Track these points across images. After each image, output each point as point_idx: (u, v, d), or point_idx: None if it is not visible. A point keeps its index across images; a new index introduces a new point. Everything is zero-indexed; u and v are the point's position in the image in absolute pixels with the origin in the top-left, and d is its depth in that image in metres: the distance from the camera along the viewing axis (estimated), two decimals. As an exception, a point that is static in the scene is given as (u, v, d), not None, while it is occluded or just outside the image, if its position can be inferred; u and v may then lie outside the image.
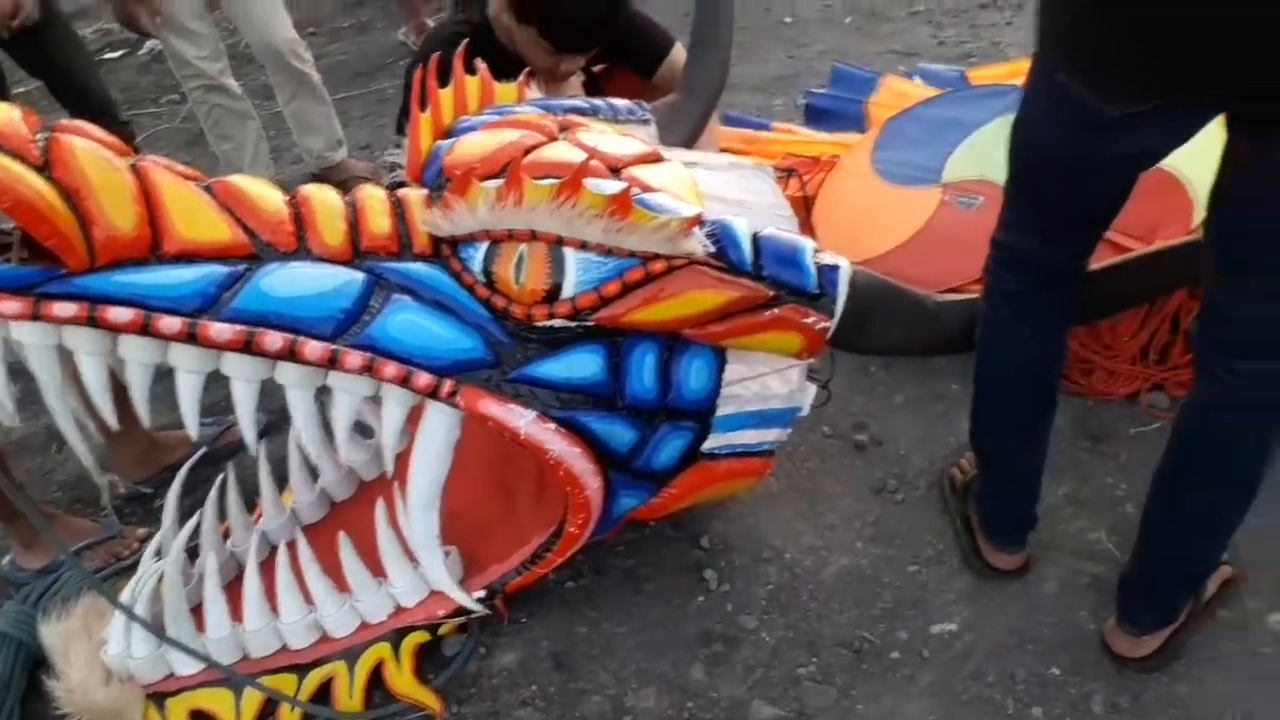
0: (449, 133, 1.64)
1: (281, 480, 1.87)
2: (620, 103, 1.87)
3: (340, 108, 3.89)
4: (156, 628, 1.60)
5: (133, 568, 1.93)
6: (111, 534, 2.12)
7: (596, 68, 2.48)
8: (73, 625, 1.68)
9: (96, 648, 1.65)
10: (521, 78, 1.83)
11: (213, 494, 1.78)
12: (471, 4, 2.40)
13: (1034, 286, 1.52)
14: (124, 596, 1.68)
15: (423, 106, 1.64)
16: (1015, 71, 2.85)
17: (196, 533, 1.73)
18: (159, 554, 1.72)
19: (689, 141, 2.01)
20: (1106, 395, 2.09)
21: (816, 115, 3.09)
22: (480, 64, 1.77)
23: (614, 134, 1.66)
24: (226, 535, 1.82)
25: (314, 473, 1.90)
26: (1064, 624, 1.71)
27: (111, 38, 5.29)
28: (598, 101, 1.83)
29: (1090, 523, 1.86)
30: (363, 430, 1.89)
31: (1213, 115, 1.23)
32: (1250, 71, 1.11)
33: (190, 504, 1.81)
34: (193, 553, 1.76)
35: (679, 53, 2.47)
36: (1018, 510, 1.75)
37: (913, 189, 2.33)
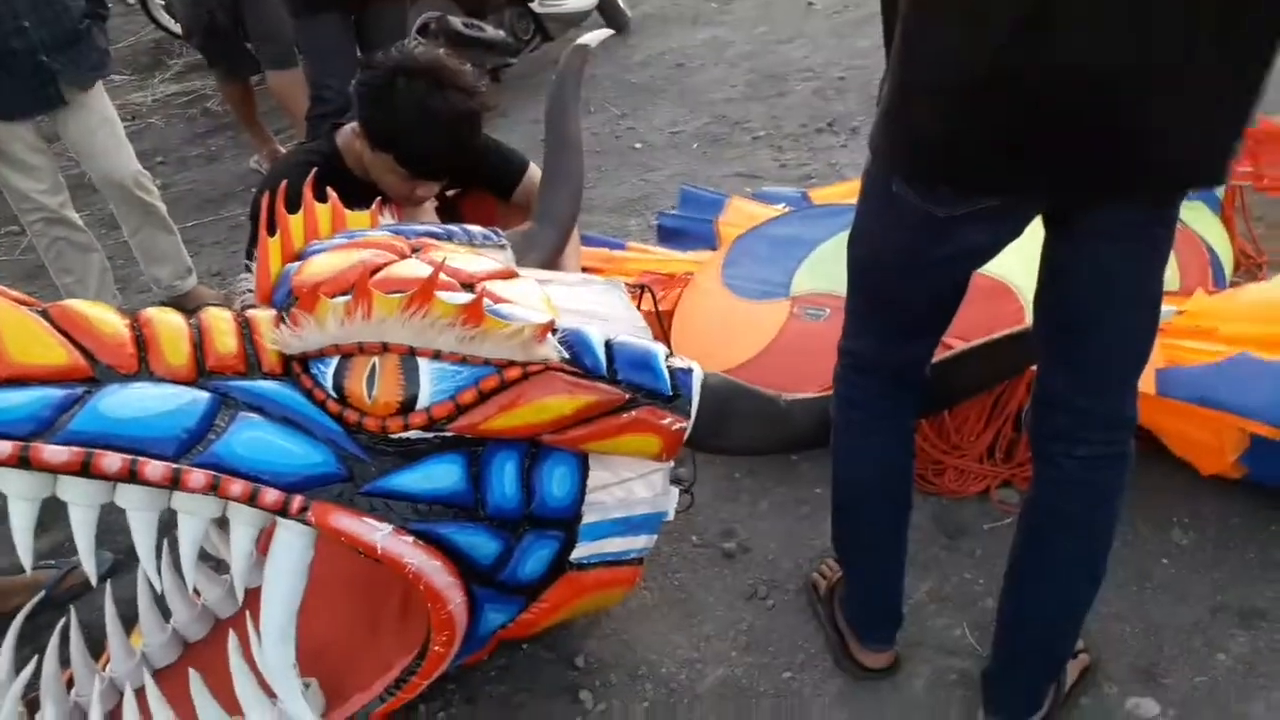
0: (299, 256, 1.64)
1: (130, 623, 1.76)
2: (475, 229, 1.90)
3: (190, 235, 3.88)
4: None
5: None
6: None
7: (451, 192, 2.53)
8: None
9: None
10: (375, 205, 1.85)
11: (54, 639, 1.65)
12: (319, 133, 2.44)
13: (880, 390, 1.59)
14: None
15: (271, 231, 1.64)
16: (853, 190, 2.92)
17: (35, 683, 1.60)
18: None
19: (545, 268, 2.05)
20: (959, 494, 2.15)
21: (669, 235, 3.20)
22: (330, 191, 1.79)
23: (467, 254, 1.69)
24: (70, 684, 1.69)
25: (166, 613, 1.80)
26: (936, 720, 1.72)
27: None
28: (453, 227, 1.85)
29: (953, 619, 1.89)
30: (217, 565, 1.81)
31: (1036, 212, 1.33)
32: (1060, 167, 1.22)
33: (29, 652, 1.68)
34: (33, 705, 1.63)
35: (534, 173, 2.52)
36: (883, 609, 1.77)
37: (763, 303, 2.41)
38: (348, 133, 2.29)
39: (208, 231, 4.23)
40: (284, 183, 1.70)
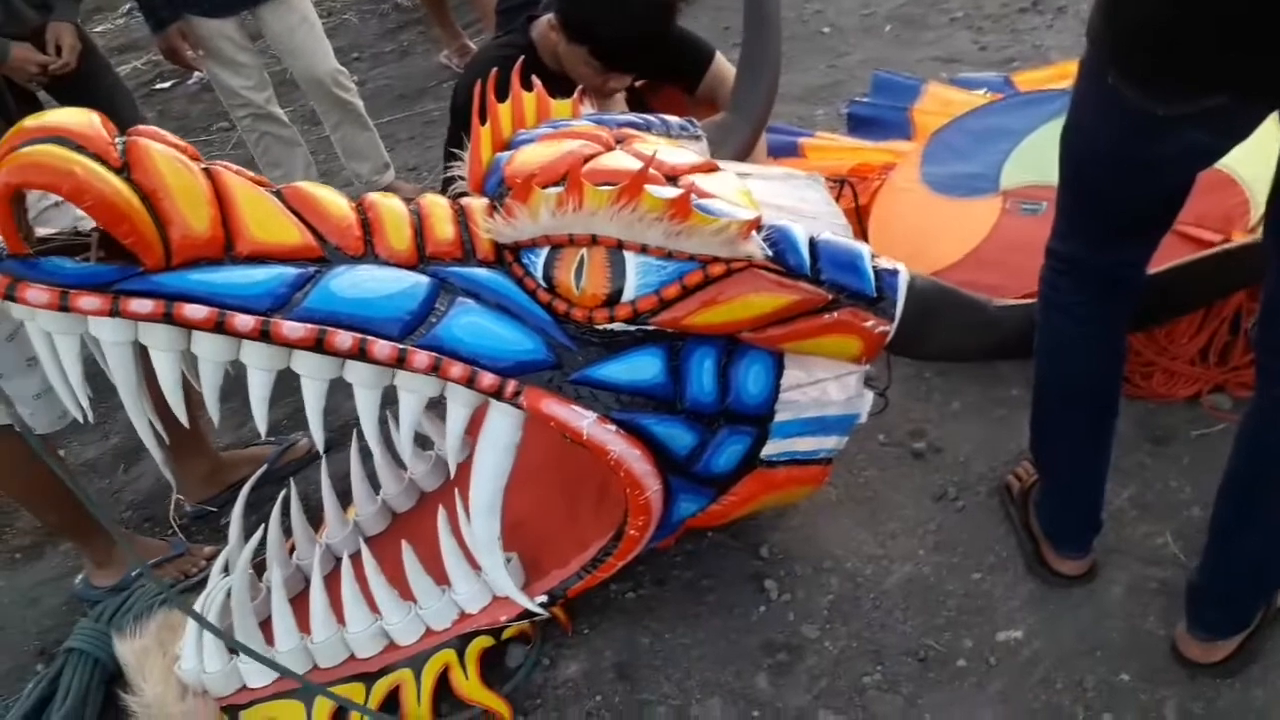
0: (508, 145, 1.67)
1: (343, 498, 1.90)
2: (672, 119, 1.89)
3: (386, 131, 3.96)
4: (233, 639, 1.63)
5: (201, 584, 1.97)
6: (179, 552, 2.17)
7: (639, 83, 2.52)
8: (147, 641, 1.72)
9: (171, 663, 1.69)
10: (576, 94, 1.86)
11: (276, 510, 1.82)
12: (514, 25, 2.46)
13: (1092, 295, 1.51)
14: (196, 610, 1.72)
15: (482, 120, 1.68)
16: (1061, 74, 2.84)
17: (262, 548, 1.77)
18: (226, 570, 1.76)
19: (739, 159, 2.02)
20: (1168, 398, 2.05)
21: (860, 124, 3.08)
22: (536, 81, 1.80)
23: (669, 146, 1.68)
24: (291, 550, 1.85)
25: (376, 485, 1.93)
26: (1132, 630, 1.67)
27: (162, 68, 5.40)
28: (651, 118, 1.85)
29: (1155, 527, 1.83)
30: (422, 442, 1.91)
31: (1268, 112, 1.22)
32: None
33: (255, 521, 1.85)
34: (259, 568, 1.80)
35: (720, 64, 2.50)
36: (1082, 517, 1.73)
37: (970, 200, 2.31)
38: (543, 25, 2.30)
39: (402, 127, 4.33)
40: (494, 71, 1.72)
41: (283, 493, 1.84)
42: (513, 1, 3.53)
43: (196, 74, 4.46)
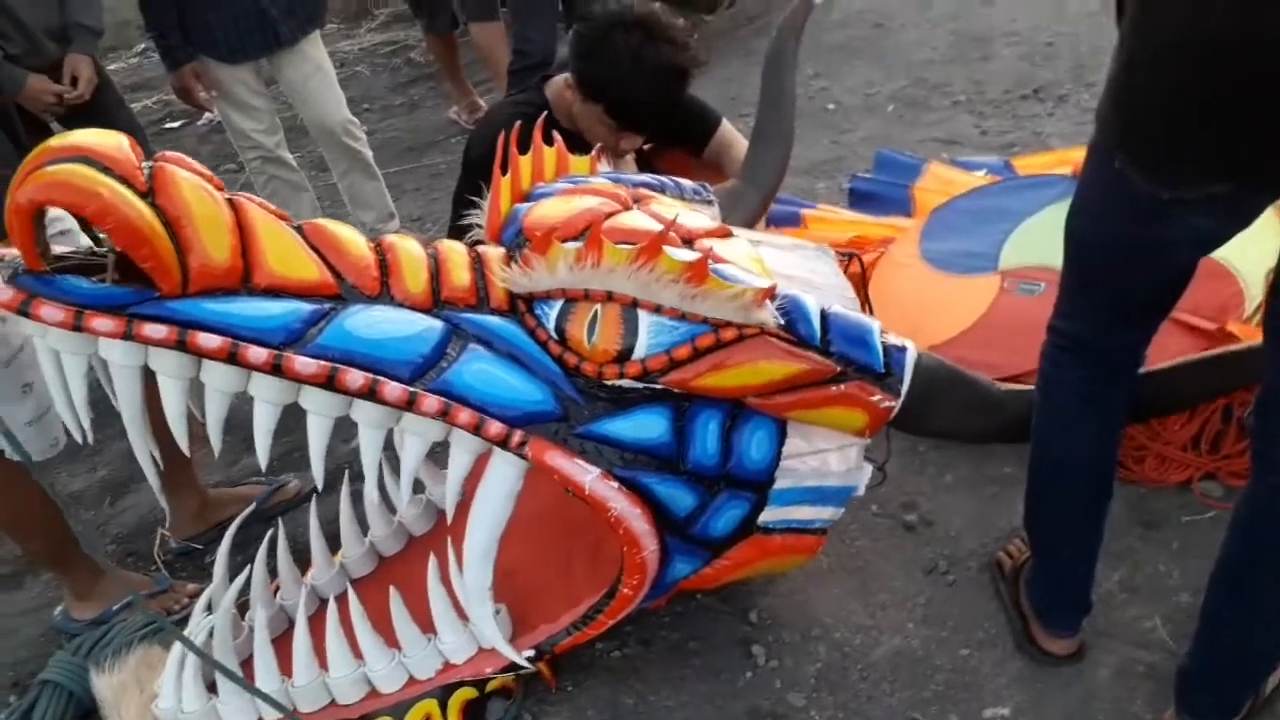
0: (527, 197, 1.69)
1: (331, 541, 1.89)
2: (686, 183, 1.92)
3: (393, 181, 4.00)
4: (207, 682, 1.61)
5: (183, 621, 1.95)
6: (163, 588, 2.14)
7: (646, 146, 2.55)
8: (125, 677, 1.70)
9: (148, 701, 1.66)
10: (595, 151, 1.89)
11: (263, 549, 1.80)
12: (526, 85, 2.50)
13: (1092, 375, 1.53)
14: (175, 650, 1.69)
15: (503, 171, 1.69)
16: (1060, 160, 2.90)
17: (247, 587, 1.75)
18: (209, 608, 1.73)
19: (748, 227, 2.05)
20: (1159, 482, 2.07)
21: (861, 198, 3.14)
22: (557, 136, 1.83)
23: (683, 208, 1.70)
24: (276, 590, 1.83)
25: (364, 527, 1.92)
26: (1119, 713, 1.67)
27: (172, 108, 5.48)
28: (665, 179, 1.88)
29: (1144, 610, 1.83)
30: (414, 485, 1.90)
31: (1271, 200, 1.26)
32: None
33: (240, 561, 1.83)
34: (243, 607, 1.78)
35: (727, 130, 2.55)
36: (1072, 596, 1.73)
37: (968, 277, 2.35)
38: (558, 84, 2.34)
39: (409, 178, 4.40)
40: (518, 124, 1.74)
41: (270, 532, 1.82)
42: (525, 63, 3.64)
43: (207, 115, 4.53)
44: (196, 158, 1.37)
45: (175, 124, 5.45)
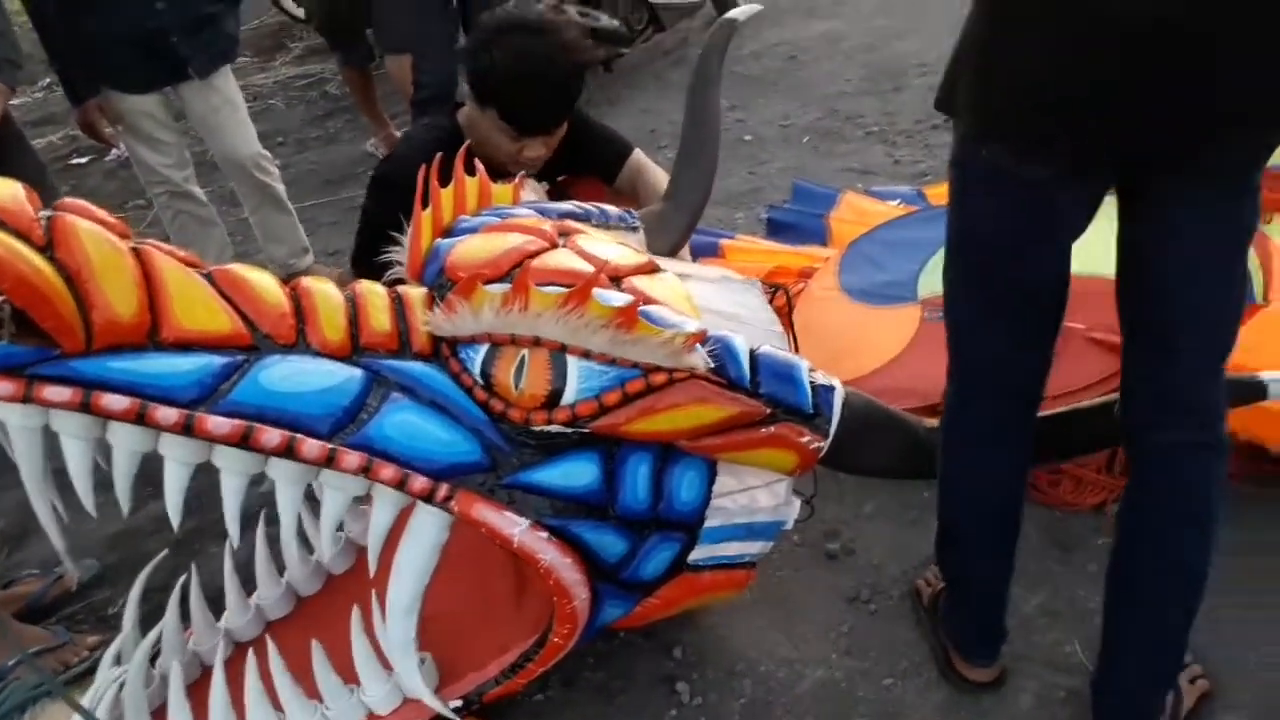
0: (448, 232, 1.65)
1: (246, 584, 1.81)
2: (611, 209, 1.89)
3: (307, 215, 3.95)
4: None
5: (84, 675, 1.89)
6: (62, 641, 2.03)
7: (560, 178, 2.53)
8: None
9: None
10: (518, 179, 1.85)
11: (175, 595, 1.72)
12: (436, 113, 2.46)
13: (995, 409, 1.56)
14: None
15: (424, 204, 1.65)
16: None
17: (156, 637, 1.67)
18: (118, 660, 1.64)
19: (674, 250, 2.04)
20: (1074, 505, 2.11)
21: (779, 228, 3.18)
22: (479, 165, 1.78)
23: (610, 241, 1.68)
24: (189, 638, 1.74)
25: (280, 566, 1.85)
26: (1042, 742, 1.70)
27: (79, 144, 5.32)
28: (590, 207, 1.85)
29: (1063, 634, 1.87)
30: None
31: (1107, 179, 1.35)
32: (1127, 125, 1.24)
33: (146, 610, 1.73)
34: (153, 657, 1.68)
35: (639, 157, 2.53)
36: (987, 627, 1.76)
37: (890, 308, 2.37)
38: (466, 109, 2.30)
39: (324, 211, 4.33)
40: (439, 156, 1.70)
41: (183, 577, 1.74)
42: (424, 94, 3.60)
43: (114, 150, 4.38)
44: (104, 194, 1.32)
45: (82, 159, 5.28)
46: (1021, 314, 1.49)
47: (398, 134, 4.66)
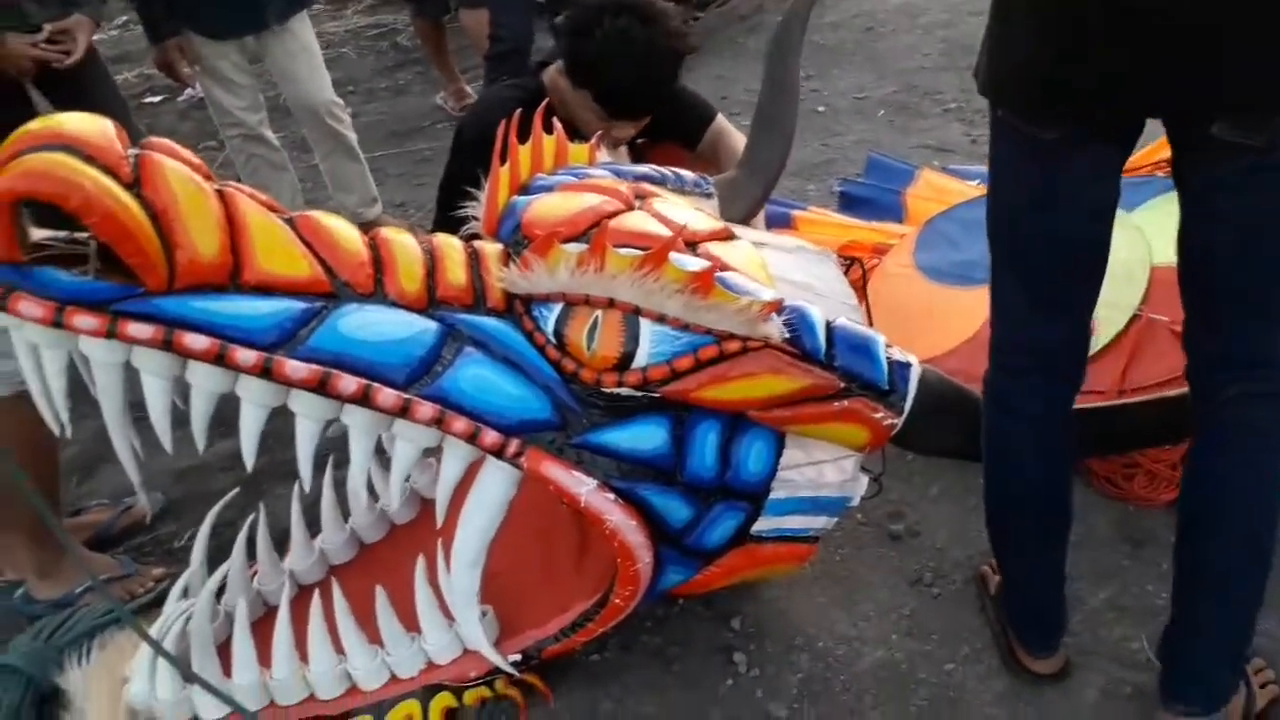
0: (525, 189, 1.64)
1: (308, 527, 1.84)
2: (686, 174, 1.87)
3: (375, 165, 3.94)
4: (186, 666, 1.55)
5: (150, 605, 1.94)
6: (129, 572, 2.08)
7: (640, 140, 2.51)
8: (93, 663, 1.63)
9: (118, 686, 1.60)
10: (595, 139, 1.84)
11: (242, 535, 1.75)
12: (502, 71, 2.45)
13: (1030, 390, 1.53)
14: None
15: (503, 160, 1.64)
16: None
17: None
18: (186, 593, 1.68)
19: (747, 219, 2.01)
20: (1147, 502, 2.05)
21: (852, 202, 3.11)
22: (558, 124, 1.77)
23: (686, 206, 1.66)
24: (253, 576, 1.77)
25: (345, 514, 1.87)
26: (1106, 737, 1.66)
27: (153, 83, 5.37)
28: (666, 171, 1.83)
29: (1131, 630, 1.82)
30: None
31: (1132, 135, 1.37)
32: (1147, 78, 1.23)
33: (213, 546, 1.77)
34: (217, 591, 1.71)
35: (722, 123, 2.52)
36: (1043, 618, 1.73)
37: (966, 289, 2.31)
38: (551, 72, 2.29)
39: (392, 163, 4.33)
40: (518, 111, 1.69)
41: (250, 517, 1.77)
42: (499, 49, 3.59)
43: (188, 90, 4.43)
44: (177, 134, 1.33)
45: (155, 99, 5.34)
46: (1043, 274, 1.46)
47: (468, 89, 4.66)
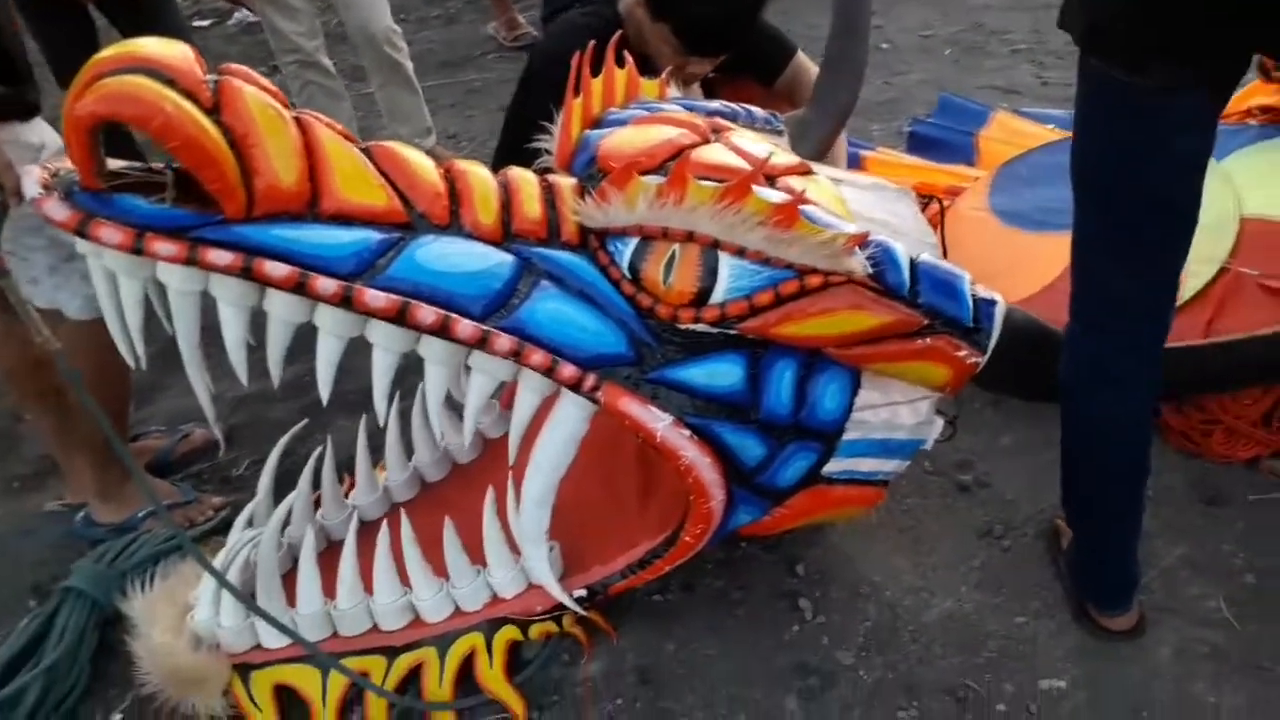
0: (598, 123, 1.61)
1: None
2: (758, 111, 1.83)
3: (428, 96, 3.86)
4: (247, 597, 1.57)
5: (209, 534, 1.96)
6: (188, 499, 2.09)
7: (712, 74, 2.45)
8: (158, 587, 1.65)
9: (182, 612, 1.62)
10: (665, 74, 1.80)
11: (307, 469, 1.75)
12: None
13: (1118, 345, 1.48)
14: (215, 562, 1.65)
15: (576, 93, 1.61)
16: None
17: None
18: (250, 523, 1.69)
19: (817, 158, 1.96)
20: (1225, 458, 2.00)
21: (922, 143, 3.02)
22: (629, 57, 1.73)
23: (762, 141, 1.62)
24: (316, 505, 1.79)
25: (408, 452, 1.87)
26: (1180, 694, 1.62)
27: (202, 6, 5.34)
28: (737, 108, 1.79)
29: (1207, 589, 1.78)
30: (458, 412, 1.85)
31: (1230, 84, 1.30)
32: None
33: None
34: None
35: (802, 60, 2.45)
36: (1115, 575, 1.69)
37: (1042, 234, 2.25)
38: (632, 8, 2.23)
39: (444, 93, 4.27)
40: (591, 43, 1.65)
41: (318, 450, 1.78)
42: None
43: (237, 15, 4.38)
44: (224, 59, 1.30)
45: (204, 22, 5.30)
46: (1132, 228, 1.40)
47: (520, 19, 4.59)
